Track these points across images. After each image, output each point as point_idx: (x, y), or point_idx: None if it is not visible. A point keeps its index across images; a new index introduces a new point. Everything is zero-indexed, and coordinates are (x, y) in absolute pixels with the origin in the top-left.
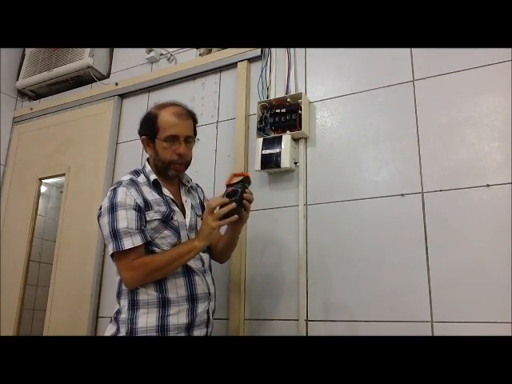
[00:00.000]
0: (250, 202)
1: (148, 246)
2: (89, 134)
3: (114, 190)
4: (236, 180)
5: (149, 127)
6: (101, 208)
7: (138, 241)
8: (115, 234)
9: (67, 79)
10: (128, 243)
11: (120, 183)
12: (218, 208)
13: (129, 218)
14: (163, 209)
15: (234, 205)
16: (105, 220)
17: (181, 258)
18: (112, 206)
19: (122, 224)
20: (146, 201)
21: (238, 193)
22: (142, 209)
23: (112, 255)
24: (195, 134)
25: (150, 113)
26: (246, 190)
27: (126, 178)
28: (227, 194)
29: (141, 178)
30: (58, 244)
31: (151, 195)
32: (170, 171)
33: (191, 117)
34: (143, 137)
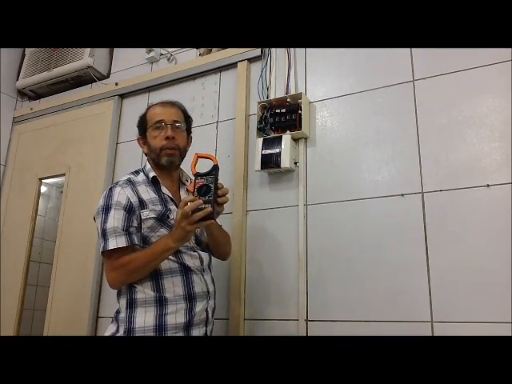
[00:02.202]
0: (225, 195)
1: (144, 246)
2: (89, 134)
3: (110, 189)
4: (202, 168)
5: (140, 125)
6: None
7: (122, 242)
8: (103, 234)
9: (67, 79)
10: (112, 244)
11: (117, 183)
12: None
13: (116, 219)
14: (159, 208)
15: (210, 210)
16: (98, 219)
17: (157, 258)
18: (104, 205)
19: (109, 224)
20: (141, 200)
21: (211, 190)
22: (135, 209)
23: (102, 255)
24: (188, 124)
25: (141, 115)
26: (218, 185)
27: (125, 177)
28: (198, 190)
29: (140, 177)
30: (58, 244)
31: (147, 194)
32: (163, 158)
33: (177, 105)
34: (138, 137)
